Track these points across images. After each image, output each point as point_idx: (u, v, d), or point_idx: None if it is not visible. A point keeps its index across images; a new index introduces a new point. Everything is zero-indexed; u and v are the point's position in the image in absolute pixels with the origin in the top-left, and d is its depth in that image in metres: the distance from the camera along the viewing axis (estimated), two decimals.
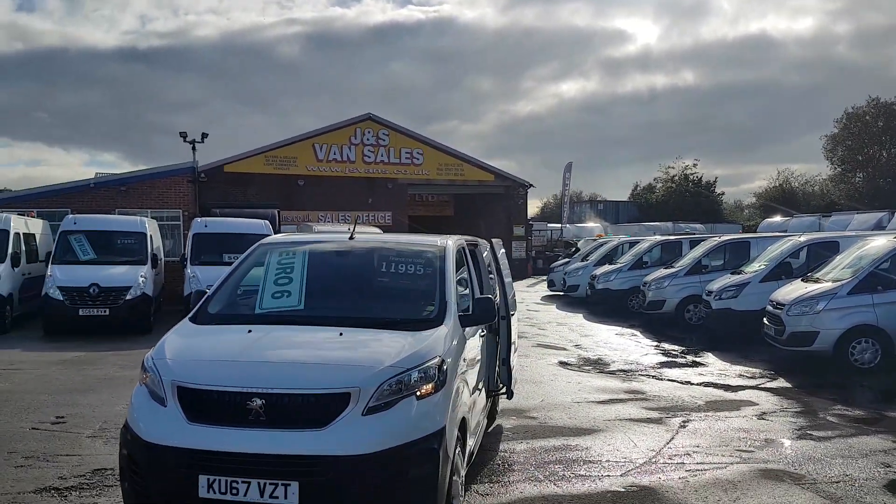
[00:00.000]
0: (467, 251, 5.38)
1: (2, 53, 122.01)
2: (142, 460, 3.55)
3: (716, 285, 12.49)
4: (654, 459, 5.52)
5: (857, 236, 11.69)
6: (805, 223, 22.62)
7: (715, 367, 9.80)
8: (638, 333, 13.27)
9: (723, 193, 48.41)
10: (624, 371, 9.44)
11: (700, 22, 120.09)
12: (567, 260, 22.43)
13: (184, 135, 20.81)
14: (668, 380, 8.86)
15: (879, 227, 18.30)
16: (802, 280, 10.28)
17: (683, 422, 6.72)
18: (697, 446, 5.90)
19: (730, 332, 11.84)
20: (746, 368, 9.57)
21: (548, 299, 20.42)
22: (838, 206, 34.27)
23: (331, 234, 6.47)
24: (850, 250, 10.29)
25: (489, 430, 6.14)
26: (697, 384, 8.56)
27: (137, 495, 3.60)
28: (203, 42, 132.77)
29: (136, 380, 3.96)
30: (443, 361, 3.78)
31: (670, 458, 5.55)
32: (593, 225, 38.94)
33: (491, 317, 4.53)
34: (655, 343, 12.07)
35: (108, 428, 6.15)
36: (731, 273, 12.72)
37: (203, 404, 3.52)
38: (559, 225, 36.61)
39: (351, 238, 5.01)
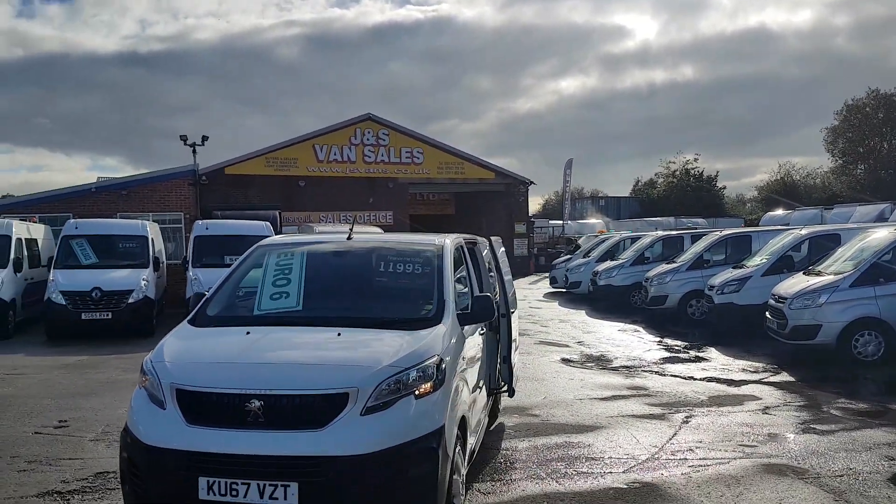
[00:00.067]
0: (466, 250, 5.38)
1: (3, 60, 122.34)
2: (142, 463, 3.56)
3: (718, 280, 12.47)
4: (656, 455, 5.51)
5: (858, 228, 11.65)
6: (807, 216, 22.52)
7: (718, 361, 9.78)
8: (640, 329, 13.25)
9: (724, 188, 48.36)
10: (626, 367, 9.42)
11: (698, 16, 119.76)
12: (569, 257, 22.41)
13: (184, 138, 20.85)
14: (671, 375, 8.84)
15: (882, 218, 18.22)
16: (804, 273, 10.24)
17: (686, 417, 6.70)
18: (700, 442, 5.88)
19: (732, 326, 11.81)
20: (749, 363, 9.54)
21: (550, 296, 20.41)
22: (840, 199, 34.15)
23: (329, 234, 6.47)
24: (851, 242, 10.25)
25: (491, 428, 6.13)
26: (700, 379, 8.54)
27: (138, 498, 3.61)
28: (203, 45, 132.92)
29: (138, 383, 3.97)
30: (441, 360, 3.78)
31: (673, 454, 5.54)
32: (595, 221, 38.88)
33: (490, 315, 4.52)
34: (658, 339, 12.05)
35: (110, 431, 6.16)
36: (733, 267, 12.69)
37: (202, 406, 3.53)
38: (561, 222, 36.56)
39: (349, 238, 5.01)
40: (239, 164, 23.43)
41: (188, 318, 4.45)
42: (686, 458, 5.43)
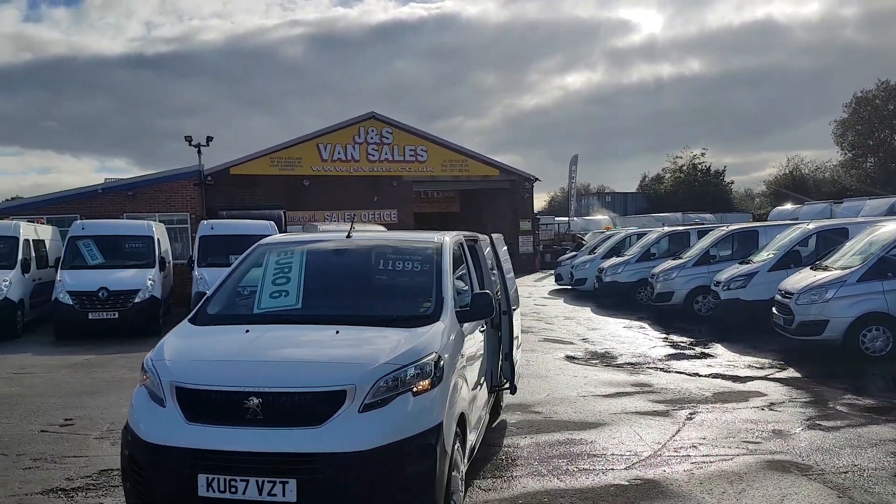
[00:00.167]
0: (466, 247, 5.36)
1: (10, 64, 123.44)
2: (142, 460, 3.59)
3: (724, 275, 12.39)
4: (659, 452, 5.48)
5: (866, 222, 11.53)
6: (816, 210, 22.34)
7: (724, 358, 9.72)
8: (646, 326, 13.20)
9: (732, 182, 48.06)
10: (631, 364, 9.38)
11: (705, 9, 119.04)
12: (574, 253, 22.34)
13: (189, 139, 20.96)
14: (676, 372, 8.80)
15: (892, 212, 17.99)
16: (811, 268, 10.16)
17: (690, 414, 6.67)
18: (704, 438, 5.85)
19: (739, 322, 11.74)
20: (755, 359, 9.48)
21: (555, 293, 20.36)
22: (850, 192, 33.85)
23: (329, 233, 6.48)
24: (859, 237, 10.15)
25: (493, 425, 6.12)
26: (705, 376, 8.49)
27: (139, 495, 3.64)
28: (208, 46, 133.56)
29: (139, 381, 3.99)
30: (439, 357, 3.77)
31: (676, 451, 5.51)
32: (601, 217, 38.74)
33: (489, 312, 4.51)
34: (664, 335, 11.99)
35: (115, 429, 6.19)
36: (740, 263, 12.60)
37: (201, 404, 3.55)
38: (566, 218, 36.47)
39: (348, 237, 5.02)
40: (244, 164, 23.55)
41: (189, 316, 4.48)
42: (689, 455, 5.40)
